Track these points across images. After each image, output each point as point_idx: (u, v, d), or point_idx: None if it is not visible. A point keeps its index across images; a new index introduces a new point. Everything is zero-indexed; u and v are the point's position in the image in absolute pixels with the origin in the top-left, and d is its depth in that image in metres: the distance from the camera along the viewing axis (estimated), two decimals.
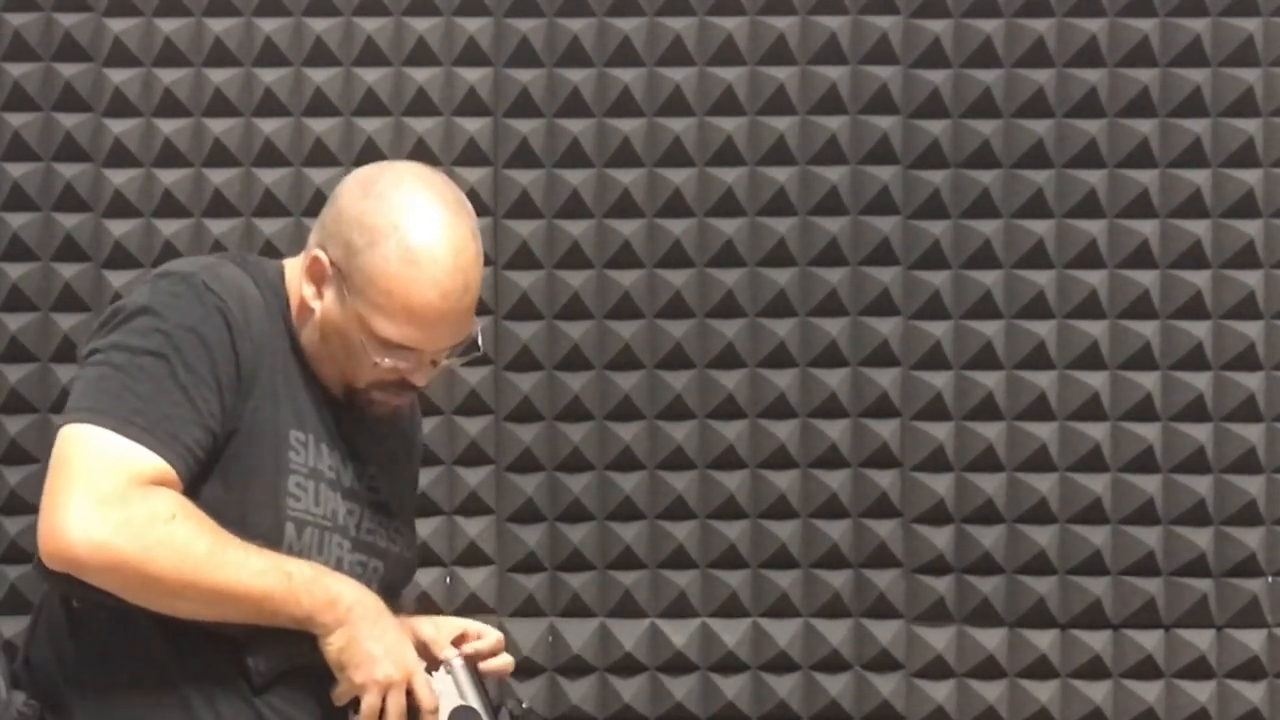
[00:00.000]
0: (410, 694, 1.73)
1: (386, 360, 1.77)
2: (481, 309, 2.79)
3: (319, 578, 1.70)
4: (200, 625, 1.69)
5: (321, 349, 1.80)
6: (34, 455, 2.78)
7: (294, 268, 1.84)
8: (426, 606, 2.78)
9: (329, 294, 1.77)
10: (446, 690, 1.83)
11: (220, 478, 1.72)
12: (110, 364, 1.69)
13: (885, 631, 2.79)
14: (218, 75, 2.80)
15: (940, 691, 2.78)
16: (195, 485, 1.70)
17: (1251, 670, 2.77)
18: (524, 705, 1.87)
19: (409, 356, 1.78)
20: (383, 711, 1.71)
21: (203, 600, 1.65)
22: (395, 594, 1.93)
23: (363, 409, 1.83)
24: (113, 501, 1.61)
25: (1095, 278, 2.78)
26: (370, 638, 1.70)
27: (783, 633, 2.79)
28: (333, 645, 1.70)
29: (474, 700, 1.84)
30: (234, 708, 1.72)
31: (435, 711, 1.75)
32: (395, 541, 1.88)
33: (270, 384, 1.75)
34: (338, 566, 1.77)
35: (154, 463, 1.65)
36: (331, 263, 1.76)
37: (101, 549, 1.61)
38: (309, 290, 1.78)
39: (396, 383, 1.80)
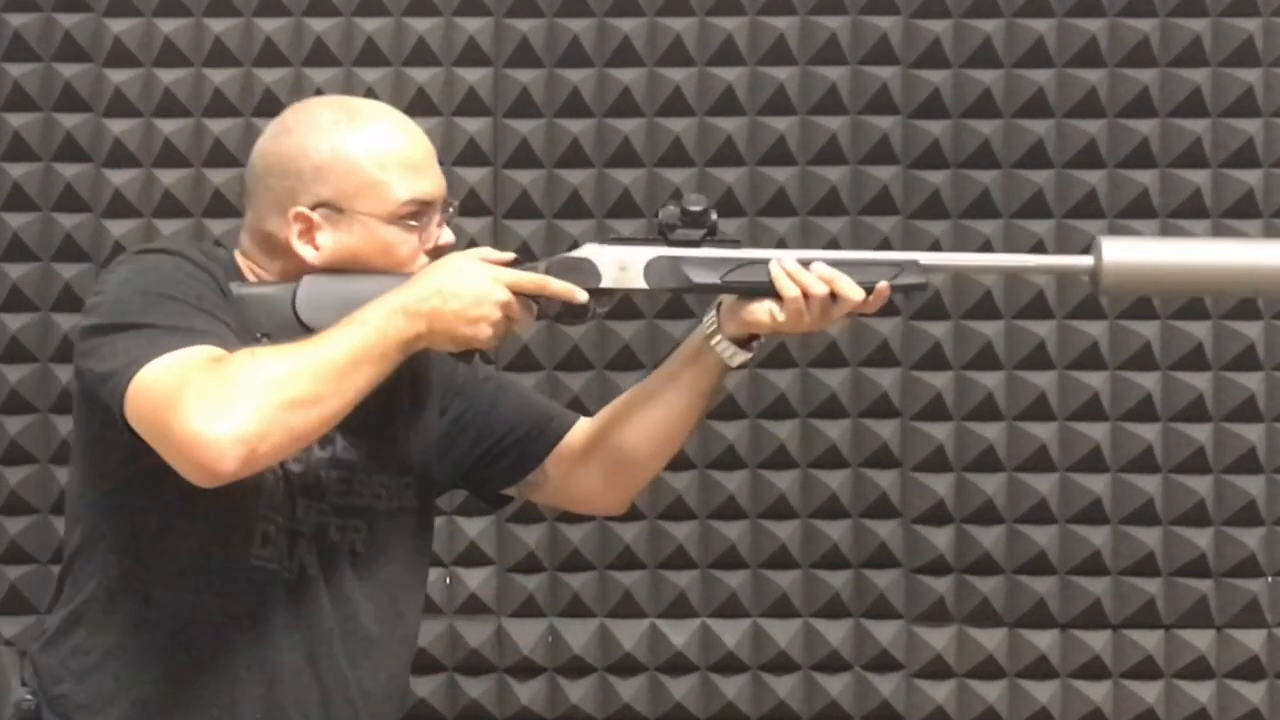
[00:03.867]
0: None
1: (417, 229, 1.79)
2: None
3: (379, 309, 1.70)
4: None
5: None
6: (34, 456, 2.78)
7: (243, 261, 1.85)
8: (426, 606, 2.77)
9: (328, 235, 1.78)
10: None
11: None
12: (122, 325, 1.68)
13: (885, 632, 2.79)
14: (218, 75, 2.80)
15: (940, 692, 2.78)
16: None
17: (1251, 670, 2.77)
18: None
19: (428, 213, 1.81)
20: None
21: (339, 388, 1.65)
22: (400, 551, 1.86)
23: None
24: (211, 396, 1.60)
25: None
26: (451, 312, 1.71)
27: (783, 633, 2.79)
28: (444, 340, 1.72)
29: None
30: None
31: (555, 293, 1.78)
32: (381, 498, 1.84)
33: None
34: (304, 527, 1.77)
35: (215, 351, 1.65)
36: (314, 206, 1.78)
37: (238, 433, 1.60)
38: (308, 251, 1.79)
39: (431, 256, 1.82)
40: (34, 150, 2.81)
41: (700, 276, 1.81)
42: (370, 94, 2.79)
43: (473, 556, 2.79)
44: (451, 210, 1.87)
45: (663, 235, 1.83)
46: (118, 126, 2.80)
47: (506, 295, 1.74)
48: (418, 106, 2.80)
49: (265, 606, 1.75)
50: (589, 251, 1.83)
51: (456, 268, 1.74)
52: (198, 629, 1.74)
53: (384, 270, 1.79)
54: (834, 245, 2.76)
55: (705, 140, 2.80)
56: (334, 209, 1.78)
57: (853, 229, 2.79)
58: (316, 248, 1.79)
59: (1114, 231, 2.77)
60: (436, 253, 1.82)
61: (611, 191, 2.79)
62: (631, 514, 2.78)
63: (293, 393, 1.62)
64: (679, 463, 2.79)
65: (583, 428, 1.98)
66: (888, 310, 2.76)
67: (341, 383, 1.65)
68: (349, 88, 2.79)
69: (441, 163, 2.75)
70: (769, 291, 1.79)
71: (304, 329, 1.74)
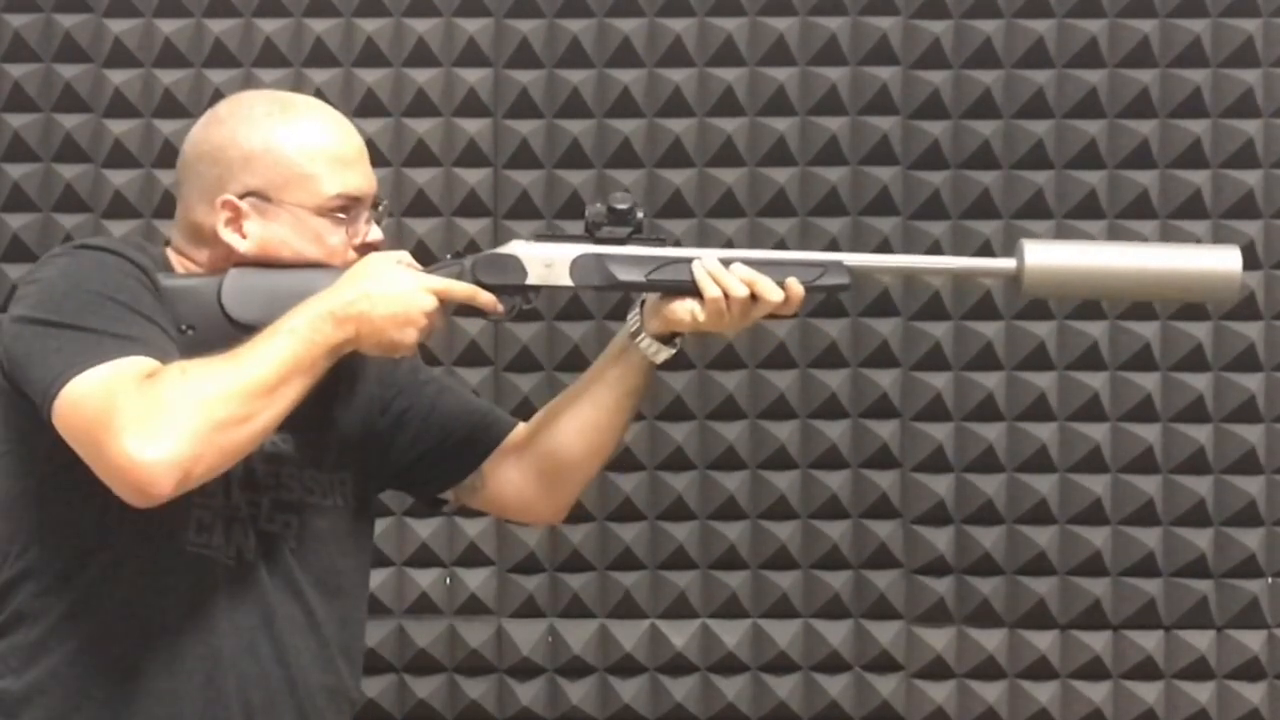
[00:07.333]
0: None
1: (343, 226, 1.80)
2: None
3: (306, 315, 1.70)
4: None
5: None
6: None
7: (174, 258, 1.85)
8: (426, 607, 2.78)
9: (256, 224, 1.79)
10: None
11: None
12: (47, 324, 1.68)
13: (885, 632, 2.79)
14: (218, 76, 2.81)
15: (940, 692, 2.78)
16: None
17: (1251, 671, 2.77)
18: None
19: (357, 212, 1.82)
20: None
21: (270, 403, 1.66)
22: (336, 545, 1.86)
23: None
24: (144, 420, 1.60)
25: None
26: (380, 317, 1.72)
27: (783, 633, 2.79)
28: (371, 345, 1.73)
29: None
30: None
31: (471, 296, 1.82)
32: (312, 492, 1.85)
33: None
34: (240, 513, 1.78)
35: (147, 364, 1.65)
36: (243, 195, 1.78)
37: (172, 457, 1.60)
38: (235, 239, 1.79)
39: (359, 252, 1.83)
40: (34, 151, 2.81)
41: (625, 274, 1.85)
42: (370, 95, 2.80)
43: (473, 557, 2.79)
44: (381, 209, 1.88)
45: (589, 233, 1.86)
46: (118, 127, 2.80)
47: (434, 303, 1.75)
48: (418, 107, 2.80)
49: (204, 593, 1.75)
50: (515, 248, 1.85)
51: (382, 273, 1.75)
52: (136, 619, 1.74)
53: (313, 261, 1.79)
54: (834, 246, 2.77)
55: (705, 141, 2.80)
56: (262, 198, 1.78)
57: (853, 229, 2.79)
58: (244, 236, 1.79)
59: (1114, 233, 2.78)
60: (364, 250, 1.83)
61: (611, 192, 2.78)
62: (631, 514, 2.78)
63: (225, 413, 1.63)
64: (679, 463, 2.79)
65: (521, 432, 1.99)
66: (888, 310, 2.79)
67: (273, 397, 1.66)
68: (348, 88, 2.79)
69: (442, 163, 2.80)
70: (691, 291, 1.83)
71: (229, 322, 1.74)
